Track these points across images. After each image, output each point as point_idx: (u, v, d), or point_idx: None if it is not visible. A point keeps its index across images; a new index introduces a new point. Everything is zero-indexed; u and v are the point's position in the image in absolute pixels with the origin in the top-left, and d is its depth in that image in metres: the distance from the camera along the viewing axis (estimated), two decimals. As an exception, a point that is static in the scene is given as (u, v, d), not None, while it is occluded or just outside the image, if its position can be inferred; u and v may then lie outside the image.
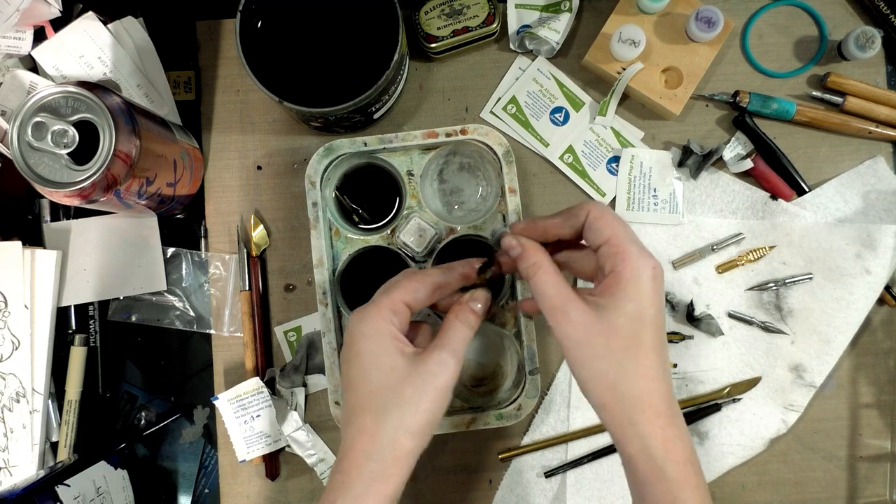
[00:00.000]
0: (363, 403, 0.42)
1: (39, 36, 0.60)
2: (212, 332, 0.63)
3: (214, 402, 0.60)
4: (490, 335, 0.60)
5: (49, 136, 0.48)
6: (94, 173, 0.48)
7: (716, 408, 0.60)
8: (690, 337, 0.61)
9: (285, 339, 0.62)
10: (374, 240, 0.60)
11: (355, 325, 0.43)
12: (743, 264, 0.61)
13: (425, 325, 0.48)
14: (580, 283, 0.60)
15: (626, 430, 0.39)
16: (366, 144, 0.59)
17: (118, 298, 0.62)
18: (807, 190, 0.61)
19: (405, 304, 0.44)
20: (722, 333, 0.61)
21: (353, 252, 0.59)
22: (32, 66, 0.61)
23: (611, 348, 0.39)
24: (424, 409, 0.41)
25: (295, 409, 0.60)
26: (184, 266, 0.63)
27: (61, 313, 0.61)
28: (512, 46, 0.63)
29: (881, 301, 0.61)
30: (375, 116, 0.60)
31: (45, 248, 0.61)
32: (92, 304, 0.62)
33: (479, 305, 0.46)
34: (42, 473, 0.58)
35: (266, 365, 0.62)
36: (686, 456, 0.39)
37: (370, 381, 0.42)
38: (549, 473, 0.60)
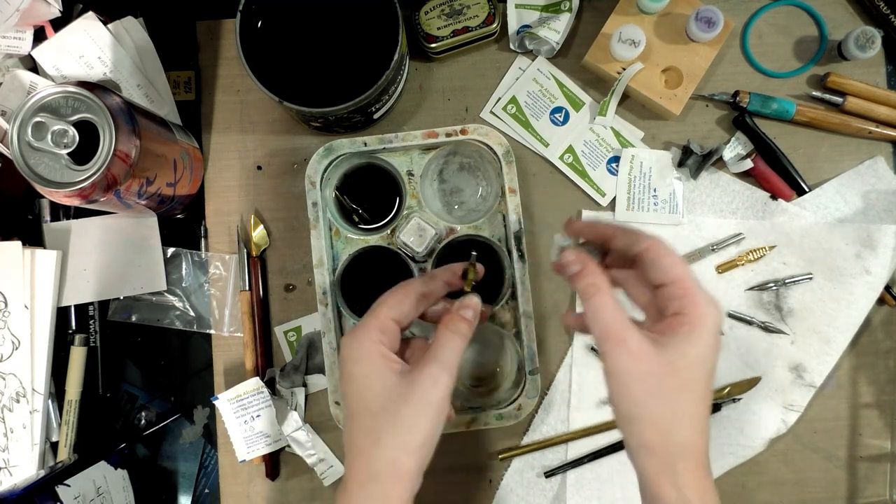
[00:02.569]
0: (360, 426, 0.41)
1: (39, 36, 0.60)
2: (212, 332, 0.63)
3: (214, 402, 0.60)
4: (490, 335, 0.60)
5: (49, 136, 0.48)
6: (94, 173, 0.48)
7: (716, 408, 0.60)
8: (690, 337, 0.61)
9: (285, 339, 0.62)
10: (374, 240, 0.60)
11: (345, 350, 0.43)
12: (743, 264, 0.61)
13: (419, 340, 0.47)
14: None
15: (664, 477, 0.38)
16: (366, 144, 0.59)
17: (118, 298, 0.62)
18: (807, 190, 0.61)
19: (392, 320, 0.43)
20: (722, 333, 0.61)
21: (353, 252, 0.59)
22: (32, 66, 0.61)
23: (665, 388, 0.38)
24: (421, 425, 0.40)
25: (295, 409, 0.60)
26: (184, 266, 0.63)
27: (61, 313, 0.61)
28: (512, 46, 0.63)
29: (881, 301, 0.61)
30: (375, 116, 0.60)
31: (45, 248, 0.61)
32: (92, 304, 0.62)
33: (470, 312, 0.45)
34: (42, 473, 0.58)
35: (266, 365, 0.62)
36: None
37: (364, 403, 0.41)
38: (549, 473, 0.60)
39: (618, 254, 0.44)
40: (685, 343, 0.38)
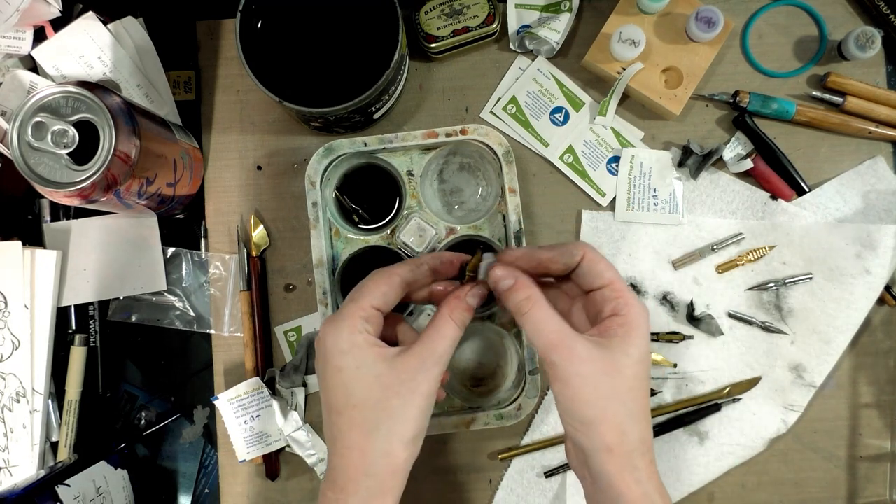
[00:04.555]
0: (350, 420, 0.40)
1: (39, 36, 0.60)
2: (212, 332, 0.63)
3: (214, 402, 0.60)
4: (490, 335, 0.60)
5: (49, 136, 0.48)
6: (94, 173, 0.48)
7: (716, 408, 0.60)
8: (690, 337, 0.61)
9: (285, 339, 0.62)
10: (374, 240, 0.60)
11: (329, 340, 0.41)
12: (743, 264, 0.61)
13: (402, 319, 0.47)
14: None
15: (628, 475, 0.38)
16: (366, 144, 0.59)
17: (118, 298, 0.62)
18: (807, 190, 0.61)
19: (375, 308, 0.42)
20: (722, 333, 0.61)
21: (353, 252, 0.59)
22: (32, 66, 0.61)
23: (617, 389, 0.38)
24: (413, 417, 0.40)
25: (295, 409, 0.60)
26: (184, 266, 0.63)
27: (61, 313, 0.61)
28: (512, 46, 0.63)
29: (881, 301, 0.61)
30: (375, 116, 0.60)
31: (45, 248, 0.61)
32: (92, 304, 0.62)
33: (476, 301, 0.43)
34: (42, 473, 0.58)
35: (266, 365, 0.62)
36: (669, 500, 0.40)
37: (353, 396, 0.40)
38: (549, 473, 0.61)
39: (554, 273, 0.43)
40: (626, 343, 0.39)
